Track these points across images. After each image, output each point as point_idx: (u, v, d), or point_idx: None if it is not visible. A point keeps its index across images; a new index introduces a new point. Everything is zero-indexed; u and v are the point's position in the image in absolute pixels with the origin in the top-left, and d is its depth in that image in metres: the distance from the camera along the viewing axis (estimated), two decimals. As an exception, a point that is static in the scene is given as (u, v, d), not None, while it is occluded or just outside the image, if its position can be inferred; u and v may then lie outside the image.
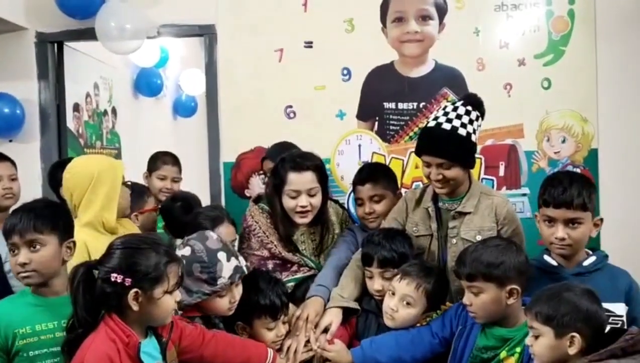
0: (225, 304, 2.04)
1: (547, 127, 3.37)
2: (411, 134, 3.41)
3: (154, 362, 1.77)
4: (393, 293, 2.15)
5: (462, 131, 2.23)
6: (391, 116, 3.43)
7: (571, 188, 2.02)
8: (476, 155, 2.35)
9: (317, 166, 2.45)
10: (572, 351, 1.66)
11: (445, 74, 3.39)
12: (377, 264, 2.24)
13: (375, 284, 2.25)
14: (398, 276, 2.16)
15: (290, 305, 2.26)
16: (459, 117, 2.25)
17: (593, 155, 3.36)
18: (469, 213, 2.31)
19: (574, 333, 1.65)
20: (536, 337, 1.71)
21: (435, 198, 2.39)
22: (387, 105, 3.43)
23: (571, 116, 3.37)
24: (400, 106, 3.42)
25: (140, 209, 2.94)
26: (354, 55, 3.42)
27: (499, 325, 2.00)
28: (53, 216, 1.95)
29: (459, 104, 2.31)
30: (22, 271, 1.89)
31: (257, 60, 3.46)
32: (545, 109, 3.37)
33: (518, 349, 1.94)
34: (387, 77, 3.41)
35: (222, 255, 2.01)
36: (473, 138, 2.27)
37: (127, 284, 1.69)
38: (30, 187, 3.44)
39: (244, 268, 2.09)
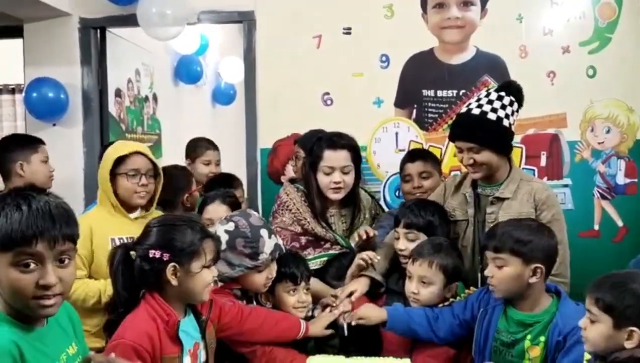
0: (262, 279, 2.10)
1: (591, 116, 3.29)
2: (450, 122, 3.36)
3: (192, 341, 1.80)
4: (410, 278, 2.20)
5: (491, 116, 2.25)
6: (430, 104, 3.39)
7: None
8: (514, 142, 2.34)
9: (352, 145, 2.52)
10: (628, 345, 1.58)
11: (486, 61, 3.33)
12: (403, 225, 2.34)
13: (399, 244, 2.34)
14: (411, 260, 2.21)
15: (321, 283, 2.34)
16: (490, 102, 2.28)
17: (638, 146, 3.26)
18: (508, 198, 2.31)
19: (634, 328, 1.58)
20: (592, 322, 1.64)
21: (475, 184, 2.41)
22: (425, 92, 3.39)
23: (616, 105, 3.27)
24: (440, 93, 3.38)
25: (190, 190, 3.04)
26: (393, 41, 3.39)
27: (518, 308, 1.98)
28: None
29: (492, 90, 2.34)
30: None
31: (295, 46, 3.46)
32: (589, 98, 3.28)
33: (542, 338, 1.91)
34: (427, 64, 3.37)
35: (264, 232, 2.08)
36: (505, 122, 2.27)
37: (165, 259, 1.72)
38: (73, 170, 3.54)
39: (282, 247, 2.17)
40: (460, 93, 3.35)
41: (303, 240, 2.52)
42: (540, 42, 3.31)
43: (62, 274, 1.35)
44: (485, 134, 2.26)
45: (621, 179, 3.27)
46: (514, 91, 2.33)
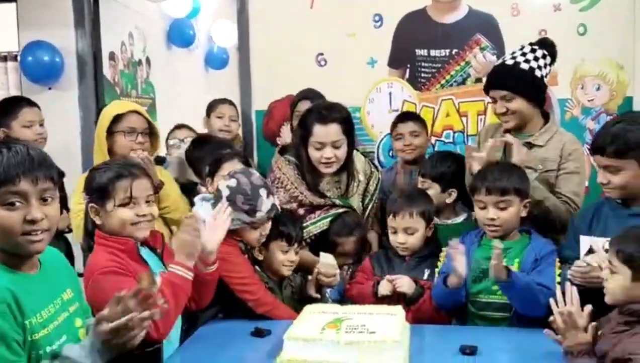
0: (256, 235, 2.23)
1: (582, 74, 3.33)
2: (443, 82, 3.40)
3: (155, 267, 1.90)
4: (395, 232, 2.34)
5: (524, 66, 2.41)
6: (423, 64, 3.42)
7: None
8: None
9: (343, 118, 2.51)
10: None
11: (478, 20, 3.35)
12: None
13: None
14: (392, 215, 2.36)
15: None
16: (523, 54, 2.44)
17: (627, 103, 3.30)
18: (539, 146, 2.42)
19: None
20: (612, 273, 1.66)
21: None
22: (419, 52, 3.41)
23: (607, 63, 3.31)
24: (433, 53, 3.41)
25: None
26: (386, 1, 3.40)
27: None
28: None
29: (526, 45, 2.49)
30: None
31: (288, 6, 3.47)
32: (580, 56, 3.31)
33: (517, 260, 2.10)
34: (420, 23, 3.39)
35: (263, 191, 2.18)
36: (537, 72, 2.40)
37: (85, 200, 1.88)
38: (70, 134, 3.56)
39: (278, 207, 2.26)
40: (453, 52, 3.38)
41: (301, 211, 2.55)
42: (531, 0, 3.32)
43: (46, 211, 1.42)
44: (517, 82, 2.40)
45: (610, 136, 3.32)
46: (548, 46, 2.47)
